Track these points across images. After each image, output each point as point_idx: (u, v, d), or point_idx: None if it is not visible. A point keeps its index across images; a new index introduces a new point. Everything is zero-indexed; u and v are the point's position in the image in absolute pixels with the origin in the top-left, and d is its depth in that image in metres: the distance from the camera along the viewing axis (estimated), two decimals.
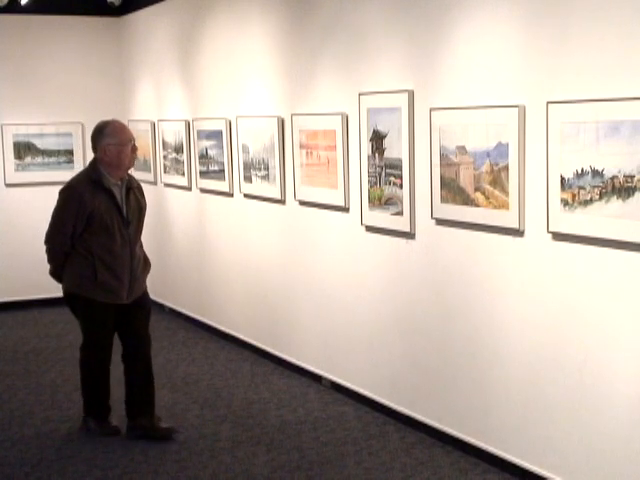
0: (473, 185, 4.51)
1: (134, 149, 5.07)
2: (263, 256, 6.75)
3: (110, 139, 4.98)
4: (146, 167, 8.66)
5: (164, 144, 8.20)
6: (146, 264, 5.26)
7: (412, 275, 5.09)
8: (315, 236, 6.04)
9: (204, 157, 7.47)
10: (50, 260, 5.14)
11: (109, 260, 4.98)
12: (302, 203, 6.15)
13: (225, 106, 7.10)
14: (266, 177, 6.53)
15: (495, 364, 4.52)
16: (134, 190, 5.15)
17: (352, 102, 5.43)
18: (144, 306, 5.25)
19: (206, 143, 7.40)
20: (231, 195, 7.14)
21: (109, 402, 5.27)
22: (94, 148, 5.06)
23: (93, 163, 5.07)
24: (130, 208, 5.07)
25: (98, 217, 4.92)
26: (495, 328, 4.50)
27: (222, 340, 7.38)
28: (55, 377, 6.58)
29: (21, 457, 5.02)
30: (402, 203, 5.07)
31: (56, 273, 5.17)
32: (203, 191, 7.63)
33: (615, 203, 3.70)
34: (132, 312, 5.16)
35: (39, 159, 9.00)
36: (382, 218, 5.25)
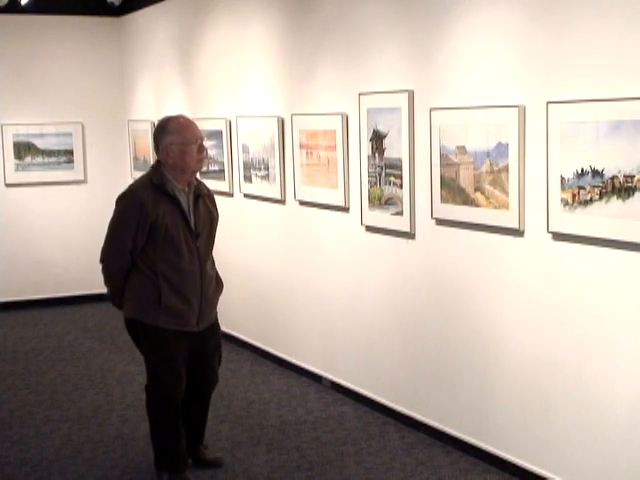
0: (473, 185, 4.51)
1: (201, 149, 4.36)
2: (263, 256, 6.75)
3: (173, 138, 4.27)
4: (146, 167, 8.62)
5: None
6: (218, 285, 4.54)
7: (412, 275, 5.09)
8: (315, 236, 6.04)
9: (204, 157, 7.46)
10: (107, 281, 4.38)
11: (176, 279, 4.26)
12: (302, 203, 6.15)
13: (225, 106, 7.10)
14: (266, 177, 6.53)
15: (495, 364, 4.52)
16: (204, 198, 4.45)
17: (352, 102, 5.43)
18: (214, 336, 4.54)
19: (206, 143, 7.39)
20: (231, 195, 7.14)
21: (184, 450, 4.48)
22: (156, 148, 4.37)
23: (156, 165, 4.37)
24: (199, 218, 4.36)
25: (162, 228, 4.21)
26: (495, 328, 4.50)
27: (222, 340, 7.37)
28: (55, 377, 6.59)
29: (21, 457, 5.02)
30: (402, 203, 5.07)
31: (115, 297, 4.40)
32: None
33: (615, 203, 3.70)
34: (201, 343, 4.45)
35: (39, 159, 9.00)
36: (382, 218, 5.25)
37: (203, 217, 4.40)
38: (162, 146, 4.31)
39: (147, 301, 4.26)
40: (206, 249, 4.41)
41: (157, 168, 4.35)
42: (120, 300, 4.38)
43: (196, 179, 4.46)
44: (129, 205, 4.25)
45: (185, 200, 4.35)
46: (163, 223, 4.22)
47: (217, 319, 4.61)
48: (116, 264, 4.31)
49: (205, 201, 4.46)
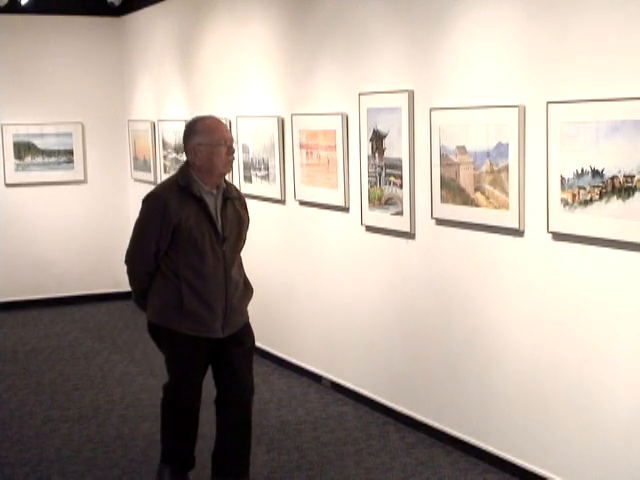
0: (473, 185, 4.51)
1: (230, 151, 4.16)
2: (263, 256, 6.75)
3: (201, 138, 4.11)
4: (146, 167, 8.65)
5: (164, 144, 8.20)
6: (247, 290, 4.34)
7: (412, 275, 5.09)
8: (315, 236, 6.04)
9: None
10: (132, 283, 4.29)
11: (199, 285, 4.11)
12: (302, 203, 6.15)
13: (225, 106, 7.10)
14: (266, 177, 6.53)
15: (495, 364, 4.52)
16: (233, 201, 4.26)
17: (352, 102, 5.43)
18: (244, 342, 4.30)
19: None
20: None
21: (193, 454, 4.39)
22: (185, 149, 4.22)
23: (184, 167, 4.21)
24: (227, 221, 4.18)
25: (186, 231, 4.06)
26: (495, 328, 4.50)
27: None
28: (55, 377, 6.59)
29: (21, 457, 5.02)
30: (402, 203, 5.07)
31: (139, 298, 4.30)
32: None
33: (615, 203, 3.70)
34: (228, 349, 4.25)
35: (39, 159, 9.00)
36: (382, 218, 5.25)
37: (231, 220, 4.22)
38: (190, 147, 4.16)
39: (169, 306, 4.14)
40: (233, 254, 4.23)
41: (184, 169, 4.21)
42: (144, 301, 4.27)
43: (226, 181, 4.30)
44: (153, 206, 4.13)
45: (212, 202, 4.18)
46: (187, 226, 4.07)
47: (250, 327, 4.38)
48: (140, 267, 4.21)
49: (234, 204, 4.28)
